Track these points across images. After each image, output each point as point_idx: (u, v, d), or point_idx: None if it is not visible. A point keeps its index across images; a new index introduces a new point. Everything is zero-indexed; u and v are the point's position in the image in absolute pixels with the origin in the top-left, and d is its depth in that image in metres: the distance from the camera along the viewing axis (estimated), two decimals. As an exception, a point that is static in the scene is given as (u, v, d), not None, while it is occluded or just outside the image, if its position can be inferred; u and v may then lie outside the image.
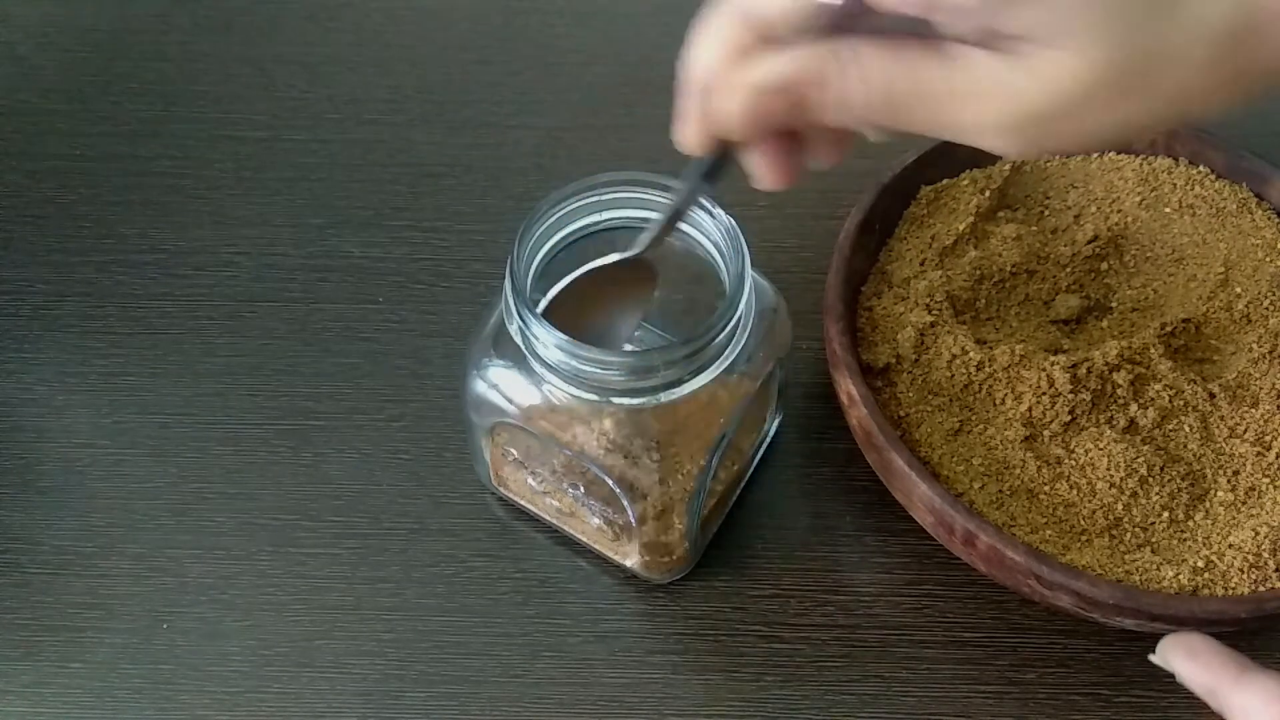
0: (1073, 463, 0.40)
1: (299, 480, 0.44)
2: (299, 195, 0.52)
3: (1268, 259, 0.44)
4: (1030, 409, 0.41)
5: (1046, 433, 0.41)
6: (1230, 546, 0.38)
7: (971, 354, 0.41)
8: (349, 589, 0.42)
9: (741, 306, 0.35)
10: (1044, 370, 0.41)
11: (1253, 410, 0.41)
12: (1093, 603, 0.36)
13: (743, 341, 0.36)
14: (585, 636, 0.41)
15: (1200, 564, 0.38)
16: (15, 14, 0.59)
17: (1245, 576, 0.38)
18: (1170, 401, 0.41)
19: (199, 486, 0.44)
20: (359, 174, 0.53)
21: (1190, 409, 0.41)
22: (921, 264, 0.45)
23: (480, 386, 0.38)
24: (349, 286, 0.49)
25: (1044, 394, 0.41)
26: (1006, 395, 0.41)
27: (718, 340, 0.35)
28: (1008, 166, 0.47)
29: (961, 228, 0.45)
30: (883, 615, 0.41)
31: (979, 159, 0.47)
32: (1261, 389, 0.41)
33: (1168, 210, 0.46)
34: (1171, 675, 0.40)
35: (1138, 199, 0.46)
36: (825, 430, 0.45)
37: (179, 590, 0.42)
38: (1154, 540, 0.39)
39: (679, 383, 0.35)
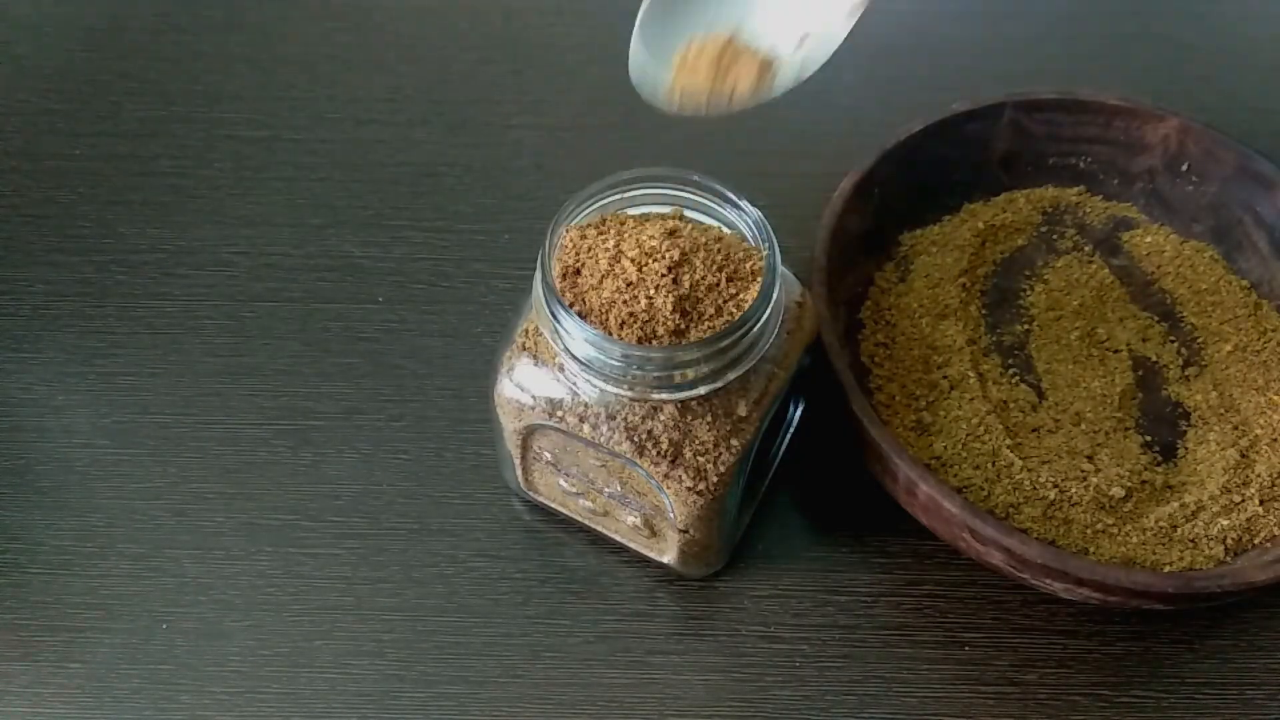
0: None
1: (299, 480, 0.44)
2: (299, 195, 0.52)
3: None
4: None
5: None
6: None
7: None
8: (349, 589, 0.42)
9: (774, 299, 0.35)
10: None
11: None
12: (1023, 562, 0.37)
13: (774, 334, 0.36)
14: (586, 637, 0.41)
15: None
16: (14, 13, 0.59)
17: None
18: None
19: (199, 486, 0.44)
20: (359, 174, 0.53)
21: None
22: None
23: (510, 389, 0.38)
24: (349, 286, 0.49)
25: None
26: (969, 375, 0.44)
27: (752, 333, 0.35)
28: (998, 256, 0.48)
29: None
30: (883, 615, 0.41)
31: (983, 131, 0.48)
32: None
33: None
34: (1172, 675, 0.40)
35: None
36: (824, 430, 0.45)
37: (179, 590, 0.42)
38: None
39: (715, 376, 0.35)
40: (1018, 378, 0.44)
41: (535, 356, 0.37)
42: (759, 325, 0.35)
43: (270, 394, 0.46)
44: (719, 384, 0.35)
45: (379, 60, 0.57)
